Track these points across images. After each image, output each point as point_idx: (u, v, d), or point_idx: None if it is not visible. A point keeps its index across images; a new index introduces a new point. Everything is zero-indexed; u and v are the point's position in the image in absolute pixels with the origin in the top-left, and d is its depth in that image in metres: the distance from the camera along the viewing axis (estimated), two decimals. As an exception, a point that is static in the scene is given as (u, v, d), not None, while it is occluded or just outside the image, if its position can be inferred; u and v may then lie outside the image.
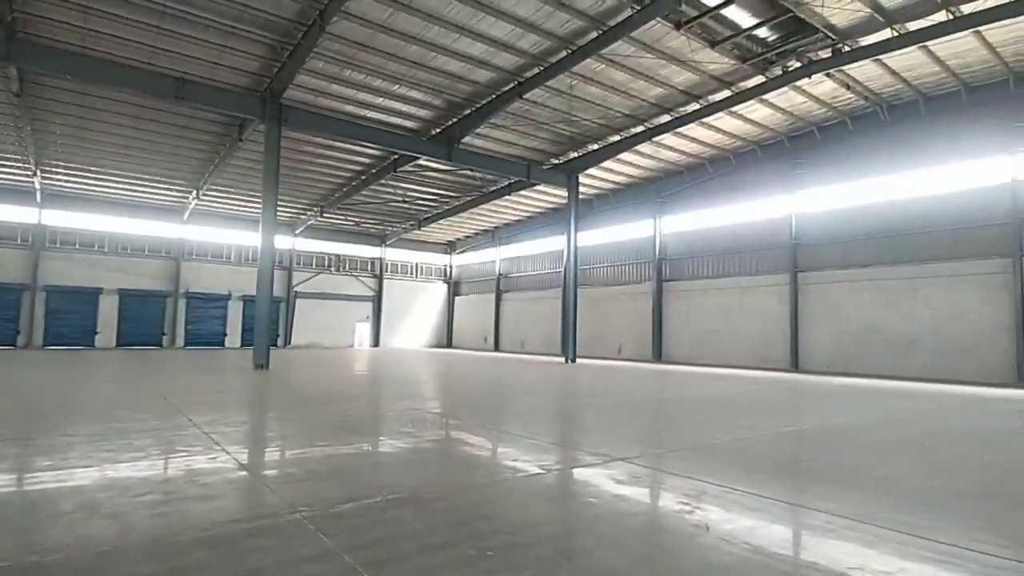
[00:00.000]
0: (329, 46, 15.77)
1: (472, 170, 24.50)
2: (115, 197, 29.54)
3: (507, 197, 29.20)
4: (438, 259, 43.19)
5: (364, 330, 39.01)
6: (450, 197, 30.81)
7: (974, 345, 17.48)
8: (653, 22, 14.53)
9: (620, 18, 14.75)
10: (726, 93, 18.76)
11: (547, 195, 29.92)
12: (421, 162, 23.51)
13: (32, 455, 5.41)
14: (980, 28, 14.42)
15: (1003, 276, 17.11)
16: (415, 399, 10.96)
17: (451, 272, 43.44)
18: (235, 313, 33.65)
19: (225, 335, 33.36)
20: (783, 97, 19.17)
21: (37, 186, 26.95)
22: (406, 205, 31.69)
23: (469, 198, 30.82)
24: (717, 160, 24.88)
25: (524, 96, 18.19)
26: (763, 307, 23.20)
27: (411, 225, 36.33)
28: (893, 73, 17.43)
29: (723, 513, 4.01)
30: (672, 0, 13.62)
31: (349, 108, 19.63)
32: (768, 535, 3.61)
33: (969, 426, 8.64)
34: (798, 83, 17.53)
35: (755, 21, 14.81)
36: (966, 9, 13.87)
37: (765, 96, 18.53)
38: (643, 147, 22.98)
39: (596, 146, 23.61)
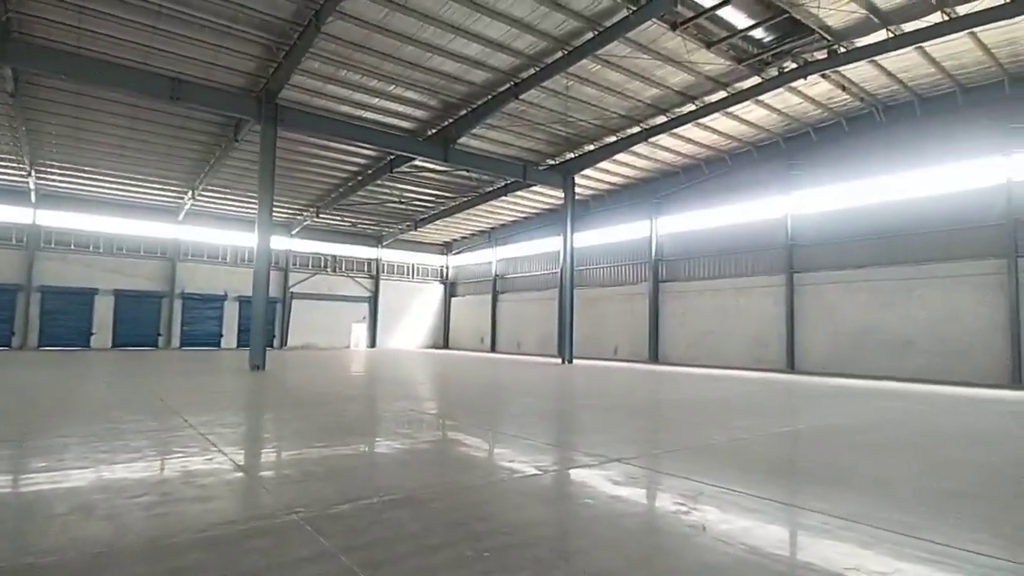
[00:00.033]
0: (325, 46, 15.75)
1: (468, 171, 24.50)
2: (110, 197, 29.44)
3: (503, 198, 29.21)
4: (434, 260, 43.17)
5: (360, 331, 38.96)
6: (446, 198, 30.80)
7: (969, 346, 17.55)
8: (649, 23, 14.54)
9: (616, 19, 14.78)
10: (722, 94, 18.81)
11: (543, 196, 29.93)
12: (417, 163, 23.50)
13: (27, 456, 5.39)
14: (975, 29, 14.47)
15: (998, 277, 17.19)
16: (411, 400, 10.95)
17: (447, 273, 43.42)
18: (231, 314, 33.57)
19: (221, 336, 33.29)
20: (779, 98, 19.22)
21: (32, 186, 26.83)
22: (402, 206, 31.67)
23: (465, 199, 30.81)
24: (713, 161, 24.93)
25: (520, 97, 18.20)
26: (759, 308, 23.26)
27: (407, 226, 36.31)
28: (888, 74, 17.50)
29: (719, 514, 4.02)
30: (668, 1, 13.64)
31: (345, 108, 19.61)
32: (764, 535, 3.62)
33: (963, 427, 8.68)
34: (794, 84, 17.58)
35: (751, 22, 14.84)
36: (961, 10, 13.93)
37: (761, 97, 18.58)
38: (639, 148, 23.02)
39: (592, 147, 23.63)
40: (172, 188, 28.13)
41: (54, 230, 29.05)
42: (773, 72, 17.39)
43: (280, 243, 34.57)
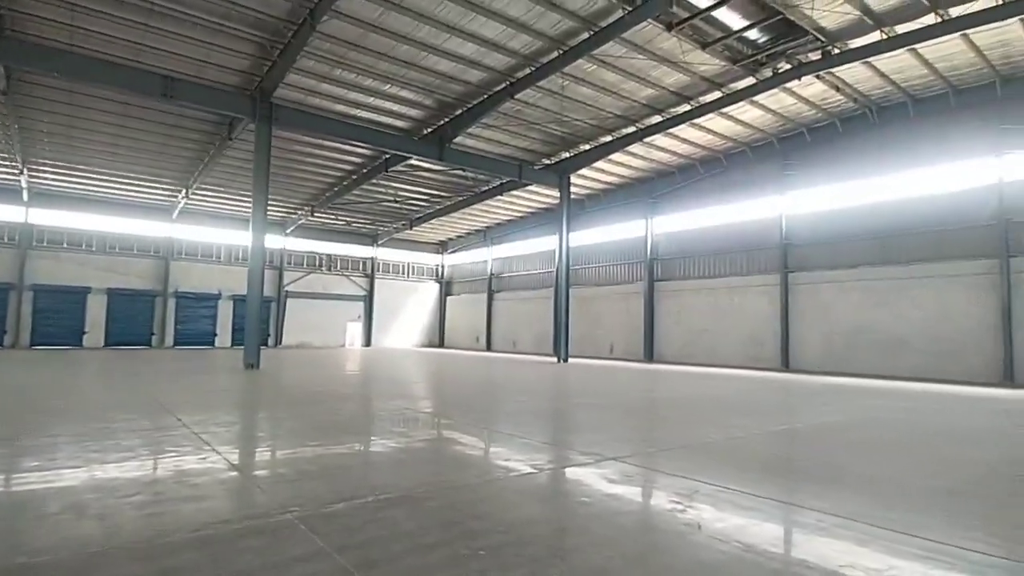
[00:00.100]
0: (320, 45, 15.70)
1: (464, 170, 24.46)
2: (103, 196, 29.27)
3: (499, 197, 29.20)
4: (430, 259, 43.12)
5: (355, 330, 38.89)
6: (442, 197, 30.76)
7: (962, 345, 17.66)
8: (644, 23, 14.56)
9: (611, 19, 14.78)
10: (717, 94, 18.85)
11: (539, 195, 29.93)
12: (413, 162, 23.45)
13: (19, 456, 5.34)
14: (968, 31, 14.56)
15: (990, 277, 17.30)
16: (407, 399, 10.93)
17: (443, 272, 43.38)
18: (225, 313, 33.45)
19: (215, 335, 33.15)
20: (773, 99, 19.28)
21: (24, 184, 26.64)
22: (397, 205, 31.61)
23: (461, 198, 30.78)
24: (708, 161, 25.00)
25: (515, 96, 18.18)
26: (754, 307, 23.33)
27: (403, 225, 36.25)
28: (882, 75, 17.58)
29: (715, 512, 4.03)
30: (663, 1, 13.66)
31: (340, 107, 19.56)
32: (760, 533, 3.63)
33: (957, 425, 8.73)
34: (788, 85, 17.62)
35: (746, 23, 14.87)
36: (954, 12, 14.00)
37: (755, 97, 18.63)
38: (634, 148, 23.04)
39: (588, 146, 23.65)
40: (166, 186, 27.99)
41: (46, 228, 28.86)
42: (768, 73, 17.44)
43: (275, 242, 34.47)
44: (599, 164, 24.92)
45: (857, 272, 20.19)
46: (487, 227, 38.25)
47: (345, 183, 27.51)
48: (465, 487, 4.62)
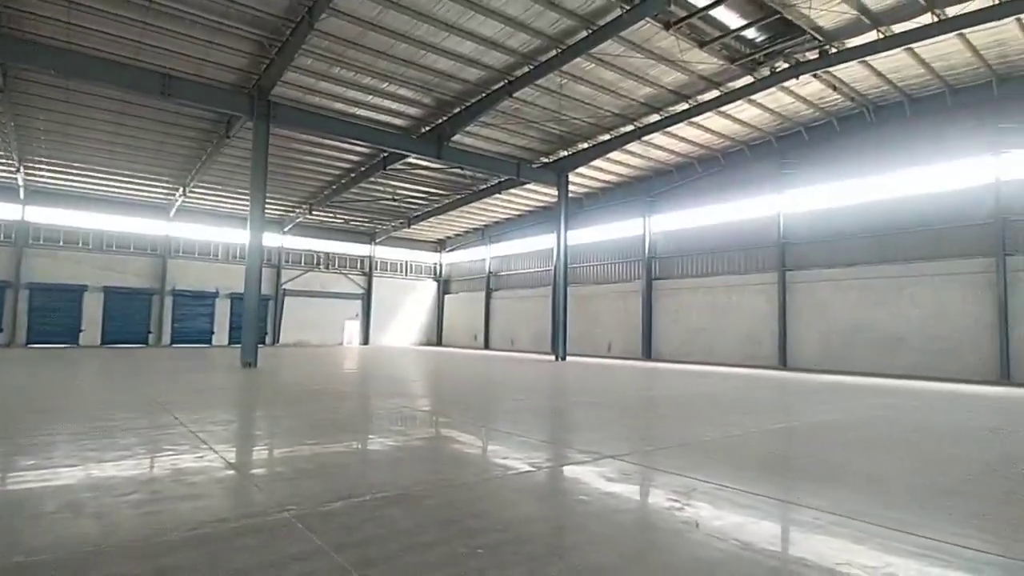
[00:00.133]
0: (318, 43, 15.67)
1: (462, 168, 24.46)
2: (100, 194, 29.21)
3: (497, 195, 29.19)
4: (428, 257, 43.11)
5: (353, 328, 38.88)
6: (440, 195, 30.75)
7: (959, 343, 17.71)
8: (642, 22, 14.58)
9: (609, 18, 14.78)
10: (715, 93, 18.86)
11: (537, 194, 29.93)
12: (411, 160, 23.45)
13: (15, 454, 5.33)
14: (964, 31, 14.59)
15: (986, 275, 17.34)
16: (404, 397, 10.92)
17: (441, 270, 43.38)
18: (222, 311, 33.41)
19: (212, 333, 33.11)
20: (771, 97, 19.30)
21: (20, 182, 26.57)
22: (396, 203, 31.59)
23: (459, 196, 30.77)
24: (706, 159, 25.01)
25: (514, 95, 18.19)
26: (751, 305, 23.36)
27: (401, 223, 36.23)
28: (879, 75, 17.61)
29: (712, 510, 4.04)
30: (661, 0, 13.67)
31: (338, 105, 19.53)
32: (757, 531, 3.63)
33: (953, 423, 8.75)
34: (786, 84, 17.65)
35: (743, 22, 14.89)
36: (951, 12, 14.03)
37: (753, 96, 18.67)
38: (633, 146, 23.06)
39: (586, 145, 23.66)
40: (163, 184, 27.94)
41: (43, 226, 28.81)
42: (765, 72, 17.46)
43: (273, 240, 34.43)
44: (597, 163, 24.94)
45: (854, 271, 20.24)
46: (485, 225, 38.24)
47: (343, 181, 27.48)
48: (463, 485, 4.61)
